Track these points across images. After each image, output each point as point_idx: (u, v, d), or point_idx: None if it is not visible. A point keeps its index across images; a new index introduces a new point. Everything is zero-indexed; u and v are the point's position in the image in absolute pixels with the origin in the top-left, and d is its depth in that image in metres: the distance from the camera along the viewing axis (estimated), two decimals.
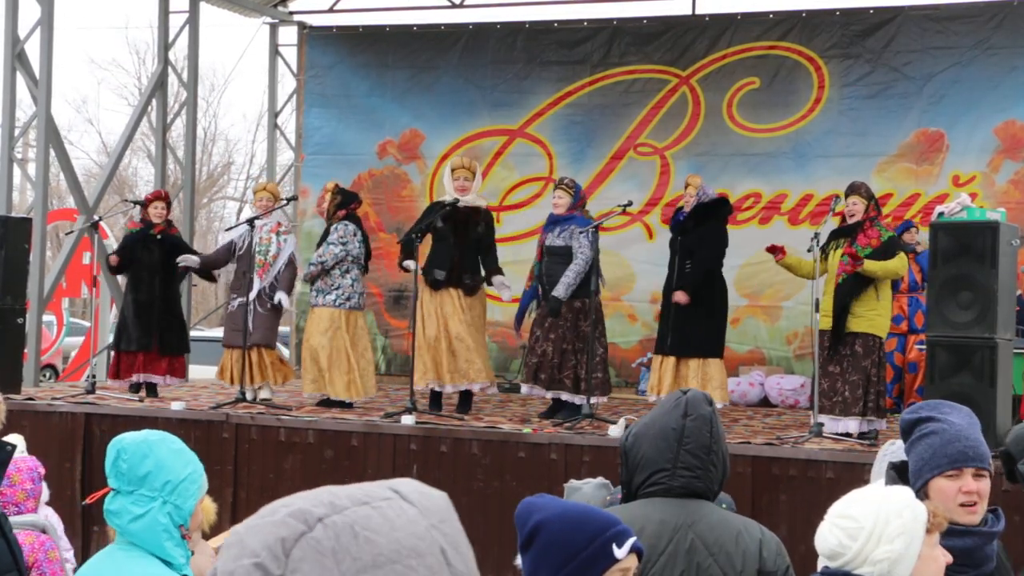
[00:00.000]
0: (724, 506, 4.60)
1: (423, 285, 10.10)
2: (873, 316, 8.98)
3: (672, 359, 9.73)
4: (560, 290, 9.63)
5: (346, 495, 1.31)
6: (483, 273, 10.16)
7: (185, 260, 10.82)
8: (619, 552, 2.60)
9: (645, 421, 3.53)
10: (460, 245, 10.03)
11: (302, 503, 1.30)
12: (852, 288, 8.97)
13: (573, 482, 4.51)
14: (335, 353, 10.21)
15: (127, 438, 3.26)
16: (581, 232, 9.66)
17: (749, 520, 3.56)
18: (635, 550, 2.66)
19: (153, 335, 10.78)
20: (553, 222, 9.92)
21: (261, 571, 1.24)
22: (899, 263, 8.99)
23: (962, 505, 3.39)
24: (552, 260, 9.79)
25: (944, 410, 3.54)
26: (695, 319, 9.67)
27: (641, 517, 3.40)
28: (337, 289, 10.29)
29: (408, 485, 1.35)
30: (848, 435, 8.84)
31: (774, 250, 9.51)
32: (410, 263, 9.93)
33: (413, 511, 1.31)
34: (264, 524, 1.28)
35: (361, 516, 1.29)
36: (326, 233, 10.45)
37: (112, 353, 11.08)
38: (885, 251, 8.99)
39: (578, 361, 9.67)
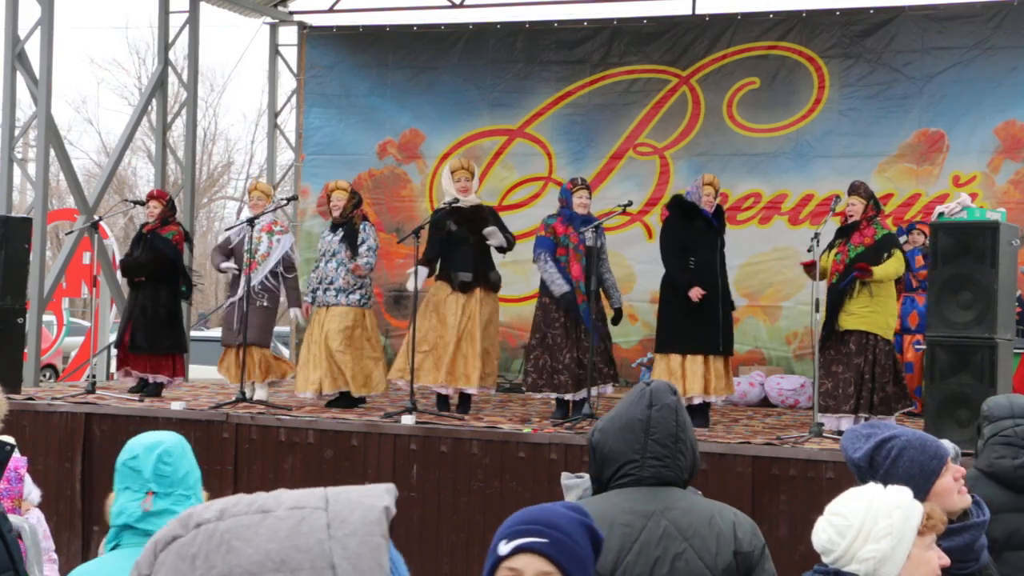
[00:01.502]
0: None
1: (443, 288, 10.11)
2: (867, 314, 8.99)
3: (721, 359, 9.68)
4: (620, 300, 10.04)
5: (253, 503, 1.32)
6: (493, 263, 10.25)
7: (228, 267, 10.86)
8: (502, 548, 2.55)
9: (611, 416, 3.56)
10: (480, 244, 10.08)
11: (199, 508, 1.32)
12: (844, 288, 9.00)
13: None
14: (356, 350, 10.23)
15: (166, 440, 3.28)
16: (596, 230, 9.65)
17: (722, 504, 3.58)
18: (532, 550, 2.47)
19: (126, 332, 10.81)
20: (584, 221, 9.83)
21: (137, 571, 1.32)
22: (896, 262, 9.02)
23: (958, 492, 3.49)
24: (589, 260, 9.73)
25: (881, 429, 3.59)
26: (730, 320, 9.82)
27: (613, 507, 3.44)
28: (361, 289, 10.30)
29: (351, 494, 1.33)
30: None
31: (808, 265, 9.26)
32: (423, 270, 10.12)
33: (320, 522, 1.30)
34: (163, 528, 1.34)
35: (243, 525, 1.29)
36: (349, 231, 10.34)
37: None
38: (878, 249, 9.00)
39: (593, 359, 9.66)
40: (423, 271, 10.10)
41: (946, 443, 3.60)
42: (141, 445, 3.28)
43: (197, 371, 14.27)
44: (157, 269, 10.84)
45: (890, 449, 3.48)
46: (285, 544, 1.28)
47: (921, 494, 3.40)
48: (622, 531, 3.39)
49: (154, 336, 10.83)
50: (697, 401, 9.56)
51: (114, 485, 3.29)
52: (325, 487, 1.36)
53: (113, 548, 3.25)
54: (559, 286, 9.65)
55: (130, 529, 3.22)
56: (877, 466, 3.49)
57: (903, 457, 3.46)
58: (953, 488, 3.47)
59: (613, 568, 3.39)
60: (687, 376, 9.59)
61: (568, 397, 9.73)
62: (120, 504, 3.24)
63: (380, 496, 1.34)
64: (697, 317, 9.60)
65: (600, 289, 9.82)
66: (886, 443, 3.49)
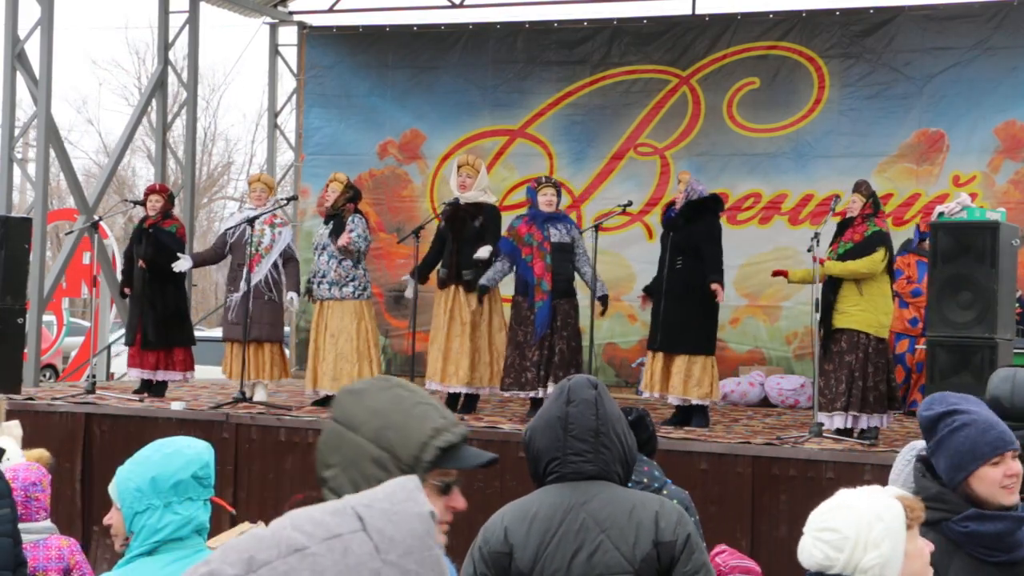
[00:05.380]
0: (675, 501, 4.61)
1: (434, 286, 10.25)
2: (856, 312, 8.94)
3: (661, 355, 9.74)
4: (604, 288, 10.01)
5: (279, 543, 1.18)
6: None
7: (178, 266, 10.68)
8: None
9: (538, 414, 3.59)
10: (456, 242, 10.08)
11: (217, 564, 1.18)
12: (833, 286, 8.99)
13: None
14: (362, 345, 10.22)
15: (204, 444, 3.24)
16: (581, 232, 9.79)
17: (651, 495, 3.60)
18: None
19: (137, 330, 10.74)
20: (548, 219, 9.92)
21: None
22: (865, 263, 8.87)
23: (1003, 487, 3.49)
24: (559, 256, 9.82)
25: (959, 401, 3.59)
26: (686, 315, 9.67)
27: (536, 503, 3.47)
28: (353, 281, 10.29)
29: (383, 505, 1.21)
30: (847, 433, 8.83)
31: (778, 274, 9.53)
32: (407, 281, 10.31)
33: (365, 548, 1.18)
34: None
35: (280, 573, 1.16)
36: (338, 223, 10.31)
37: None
38: (864, 247, 8.95)
39: (580, 358, 9.75)
40: (411, 281, 10.23)
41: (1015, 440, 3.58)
42: (206, 451, 3.19)
43: (197, 371, 14.24)
44: (165, 263, 10.80)
45: (952, 420, 3.50)
46: None
47: (963, 472, 3.45)
48: (541, 526, 3.42)
49: (166, 332, 10.80)
50: (644, 396, 9.71)
51: (152, 500, 3.11)
52: (345, 498, 1.23)
53: (148, 554, 3.12)
54: (489, 278, 9.98)
55: (178, 540, 3.12)
56: (937, 431, 3.51)
57: (961, 432, 3.49)
58: (998, 482, 3.48)
59: (533, 563, 3.41)
60: (650, 371, 9.80)
61: (539, 395, 9.76)
62: (182, 516, 3.11)
63: (415, 499, 1.22)
64: (652, 315, 9.94)
65: (578, 287, 9.92)
66: (953, 414, 3.52)
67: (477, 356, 10.04)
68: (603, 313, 10.17)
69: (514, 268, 9.99)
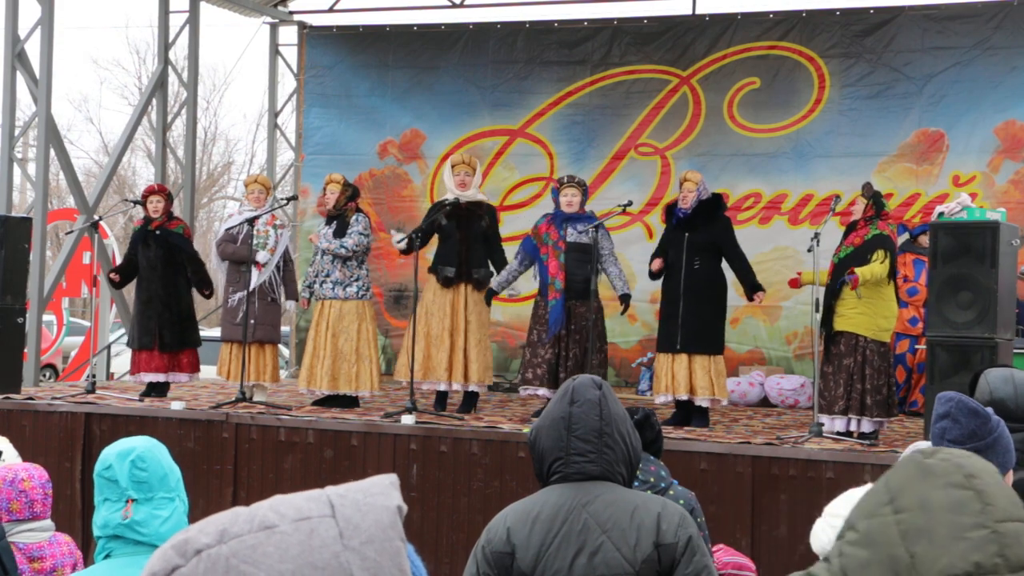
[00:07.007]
0: (681, 501, 4.58)
1: (430, 282, 10.19)
2: (854, 315, 8.95)
3: (685, 357, 9.72)
4: (626, 288, 9.98)
5: (253, 519, 1.25)
6: (491, 269, 10.24)
7: (261, 258, 10.69)
8: None
9: (543, 413, 3.60)
10: (466, 240, 10.09)
11: (194, 532, 1.25)
12: (834, 289, 9.00)
13: None
14: (363, 346, 10.23)
15: (138, 445, 3.28)
16: (596, 229, 9.74)
17: (654, 496, 3.60)
18: None
19: (153, 334, 10.70)
20: (568, 219, 9.93)
21: None
22: (876, 264, 8.90)
23: None
24: (575, 257, 9.82)
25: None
26: (709, 316, 9.73)
27: (539, 503, 3.47)
28: (357, 281, 10.29)
29: (356, 496, 1.27)
30: (848, 434, 8.83)
31: (794, 284, 9.61)
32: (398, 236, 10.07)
33: (331, 532, 1.23)
34: (153, 555, 1.26)
35: (248, 546, 1.22)
36: (341, 223, 10.31)
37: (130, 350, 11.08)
38: (864, 250, 8.96)
39: (600, 359, 9.79)
40: (397, 235, 10.15)
41: None
42: (113, 454, 3.26)
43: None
44: (181, 264, 10.80)
45: (999, 420, 3.60)
46: (301, 563, 1.21)
47: (1003, 471, 3.52)
48: (543, 526, 3.42)
49: (181, 333, 10.79)
50: (659, 400, 9.71)
51: (94, 497, 3.26)
52: (325, 488, 1.29)
53: (105, 557, 3.24)
54: (498, 283, 10.00)
55: (118, 539, 3.21)
56: (993, 427, 3.59)
57: (1007, 433, 3.60)
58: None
59: (535, 563, 3.41)
60: (670, 373, 9.74)
61: (539, 393, 9.76)
62: (103, 516, 3.22)
63: (387, 494, 1.28)
64: (664, 316, 9.86)
65: (600, 286, 9.92)
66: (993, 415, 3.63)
67: (455, 353, 10.04)
68: (623, 312, 10.17)
69: (529, 268, 10.07)
